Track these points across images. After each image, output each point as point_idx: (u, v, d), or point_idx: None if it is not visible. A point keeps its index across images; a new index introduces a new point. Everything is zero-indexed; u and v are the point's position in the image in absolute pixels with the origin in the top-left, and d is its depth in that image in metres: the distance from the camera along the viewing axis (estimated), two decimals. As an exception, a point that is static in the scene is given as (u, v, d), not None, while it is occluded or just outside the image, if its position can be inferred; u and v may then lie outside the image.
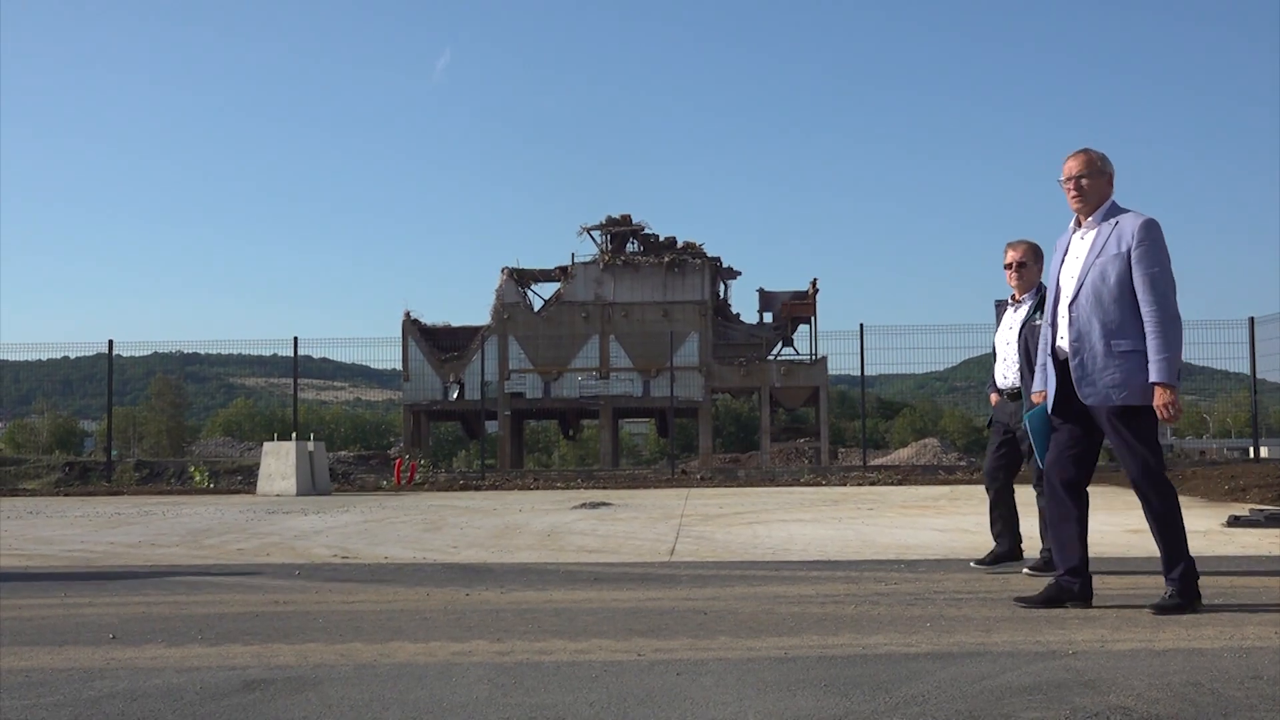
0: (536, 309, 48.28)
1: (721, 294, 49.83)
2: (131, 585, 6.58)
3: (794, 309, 47.97)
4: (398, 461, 23.89)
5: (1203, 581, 6.10)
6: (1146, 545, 8.19)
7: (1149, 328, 5.04)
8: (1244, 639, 4.46)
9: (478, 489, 19.73)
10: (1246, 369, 23.00)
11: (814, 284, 48.49)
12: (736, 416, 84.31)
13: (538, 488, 19.67)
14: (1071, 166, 5.28)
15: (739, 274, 50.35)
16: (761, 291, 48.83)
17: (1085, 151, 5.31)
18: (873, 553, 7.96)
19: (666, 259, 47.13)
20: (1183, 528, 5.18)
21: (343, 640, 4.66)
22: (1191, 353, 26.25)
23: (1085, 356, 5.15)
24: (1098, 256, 5.14)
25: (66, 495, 19.25)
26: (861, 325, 23.93)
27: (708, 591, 5.97)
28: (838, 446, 54.24)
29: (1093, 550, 7.79)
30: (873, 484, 19.39)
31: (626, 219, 48.80)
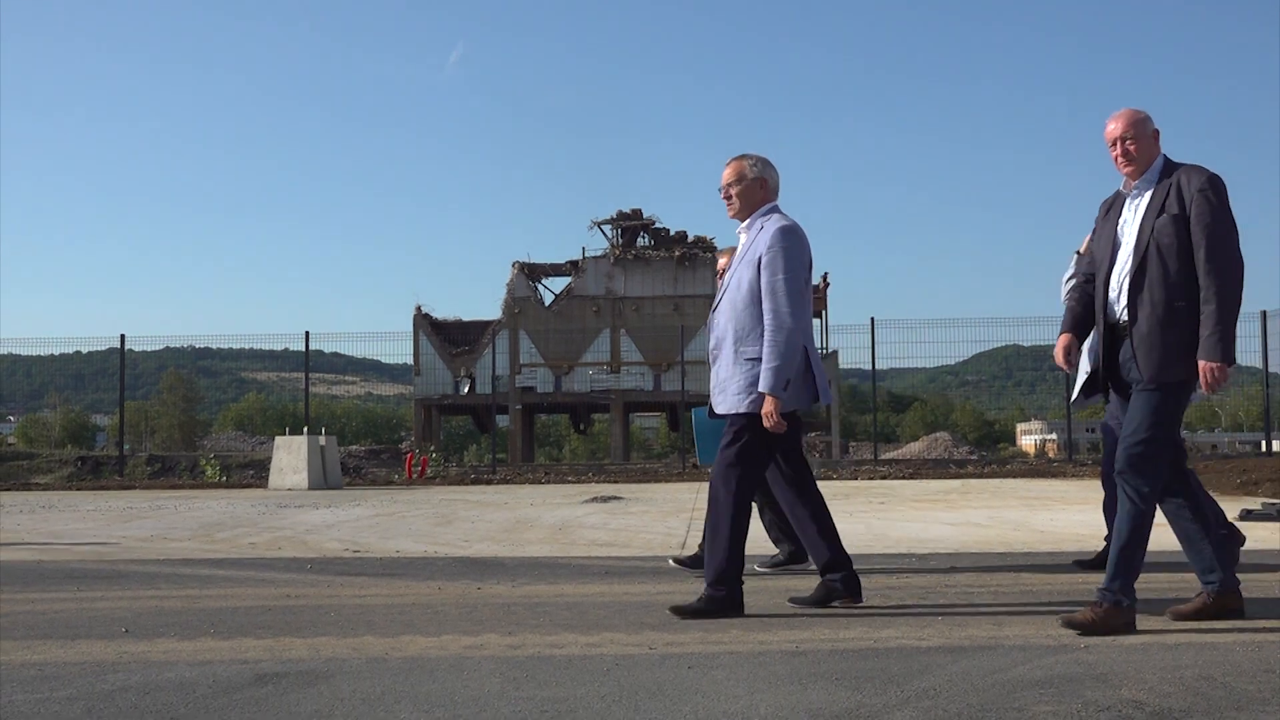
0: (547, 303, 48.32)
1: (731, 289, 49.73)
2: (144, 579, 6.60)
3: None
4: (409, 455, 23.95)
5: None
6: (1157, 538, 8.15)
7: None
8: (1256, 633, 4.44)
9: (489, 483, 19.75)
10: (1259, 362, 22.94)
11: (824, 278, 48.43)
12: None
13: (549, 482, 19.69)
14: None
15: (749, 268, 50.25)
16: (772, 285, 48.69)
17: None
18: (884, 546, 7.95)
19: (677, 253, 47.10)
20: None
21: (354, 634, 4.67)
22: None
23: None
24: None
25: (79, 489, 19.31)
26: (872, 319, 23.95)
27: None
28: (848, 440, 54.19)
29: (1102, 544, 7.77)
30: (884, 478, 19.37)
31: (637, 213, 48.78)
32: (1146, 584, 5.81)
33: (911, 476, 19.50)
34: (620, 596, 5.59)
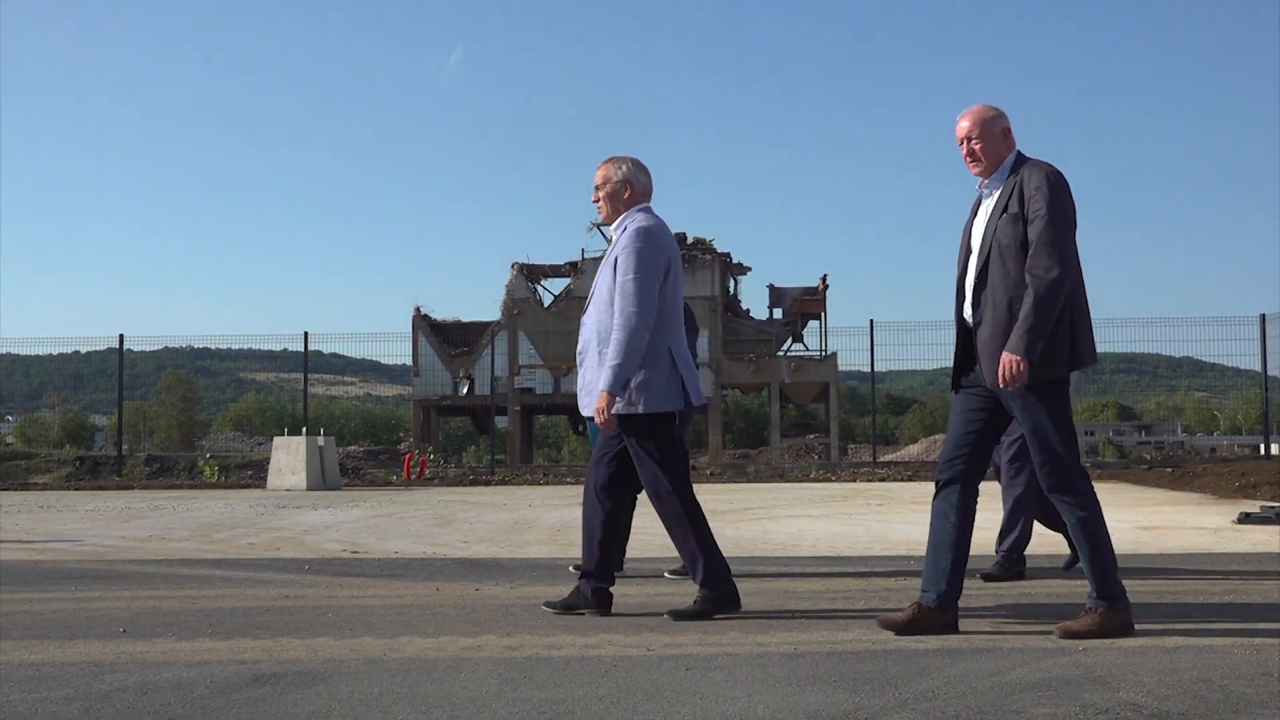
0: (547, 304, 48.30)
1: (731, 290, 49.80)
2: (142, 579, 6.60)
3: (804, 305, 47.87)
4: (407, 456, 23.95)
5: (1215, 578, 6.10)
6: (1156, 542, 8.18)
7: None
8: (1255, 635, 4.45)
9: (488, 484, 19.75)
10: (1258, 366, 22.98)
11: (824, 280, 48.41)
12: (746, 412, 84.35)
13: (547, 483, 19.69)
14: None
15: (749, 270, 50.27)
16: (772, 287, 48.76)
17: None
18: (882, 549, 7.96)
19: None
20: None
21: (353, 635, 4.67)
22: (1202, 349, 26.20)
23: None
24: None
25: (77, 489, 19.31)
26: (872, 321, 23.94)
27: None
28: (848, 442, 54.22)
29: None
30: (883, 480, 19.37)
31: (636, 214, 48.73)
32: (1140, 586, 5.80)
33: (910, 479, 19.50)
34: (618, 598, 5.60)
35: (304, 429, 19.47)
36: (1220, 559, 7.01)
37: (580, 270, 47.49)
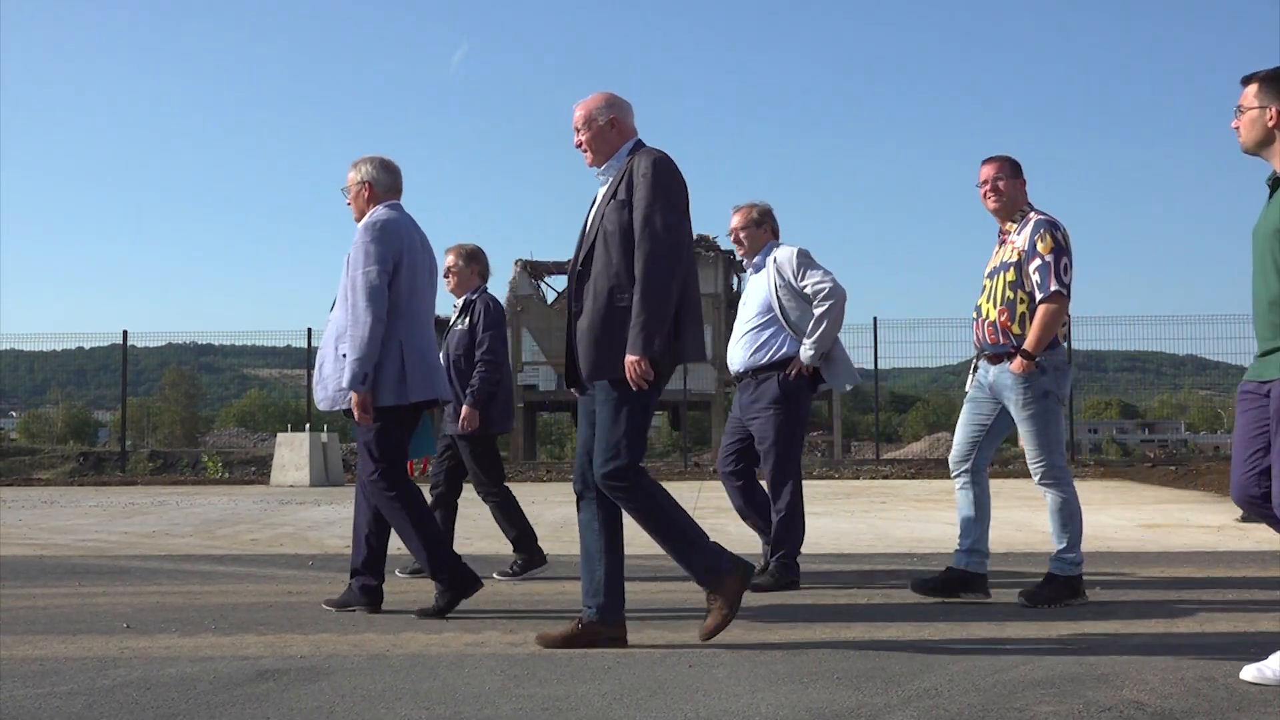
0: (550, 301, 48.30)
1: (734, 287, 49.77)
2: (145, 575, 6.60)
3: (807, 303, 47.85)
4: (410, 453, 23.89)
5: (1218, 576, 6.09)
6: (1160, 540, 8.17)
7: None
8: (1258, 633, 4.44)
9: (490, 481, 19.71)
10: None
11: (827, 277, 48.36)
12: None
13: (550, 480, 19.68)
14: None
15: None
16: (774, 285, 48.66)
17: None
18: (885, 546, 7.95)
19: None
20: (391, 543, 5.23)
21: (355, 631, 4.67)
22: (1206, 347, 26.19)
23: None
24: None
25: (81, 485, 19.32)
26: (875, 319, 23.89)
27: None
28: (850, 440, 54.13)
29: (1104, 545, 7.78)
30: (885, 477, 19.37)
31: (640, 212, 48.69)
32: (1144, 584, 5.79)
33: (913, 476, 19.51)
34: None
35: (307, 425, 19.45)
36: (1223, 557, 7.00)
37: (583, 267, 47.52)
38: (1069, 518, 5.20)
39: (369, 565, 5.21)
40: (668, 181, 4.28)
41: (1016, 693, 3.49)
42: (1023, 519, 10.14)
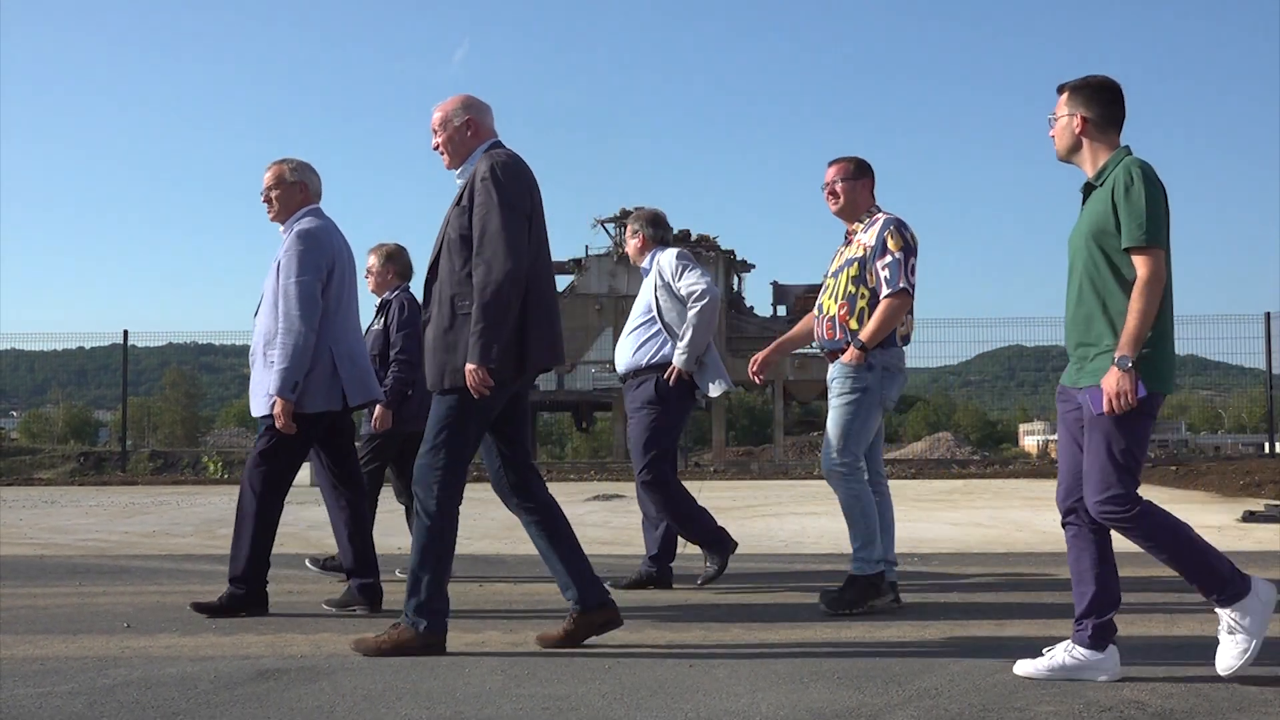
0: (550, 301, 48.28)
1: (735, 287, 49.74)
2: (146, 574, 6.61)
3: (808, 302, 47.64)
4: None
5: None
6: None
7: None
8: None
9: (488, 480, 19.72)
10: (1262, 364, 22.95)
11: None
12: (750, 410, 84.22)
13: (551, 480, 19.63)
14: None
15: (753, 267, 50.20)
16: (775, 285, 48.70)
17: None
18: (886, 546, 7.94)
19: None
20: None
21: (356, 630, 4.66)
22: (1207, 347, 26.16)
23: None
24: None
25: (81, 485, 19.32)
26: (876, 318, 23.89)
27: (720, 584, 5.96)
28: (851, 440, 54.08)
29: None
30: (886, 478, 19.35)
31: (640, 211, 48.70)
32: (1146, 584, 5.80)
33: (914, 476, 19.49)
34: (622, 595, 5.59)
35: (308, 425, 19.47)
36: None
37: (584, 267, 47.48)
38: (858, 514, 5.09)
39: (361, 564, 5.24)
40: (506, 184, 4.22)
41: (1017, 693, 3.49)
42: (1023, 519, 10.14)
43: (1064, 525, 3.92)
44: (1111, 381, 3.52)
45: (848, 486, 5.13)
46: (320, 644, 4.37)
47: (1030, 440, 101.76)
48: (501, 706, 3.37)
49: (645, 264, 6.01)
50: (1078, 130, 3.78)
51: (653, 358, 5.82)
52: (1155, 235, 3.56)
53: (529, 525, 4.41)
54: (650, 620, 4.86)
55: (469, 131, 4.41)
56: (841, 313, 5.21)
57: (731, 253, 48.51)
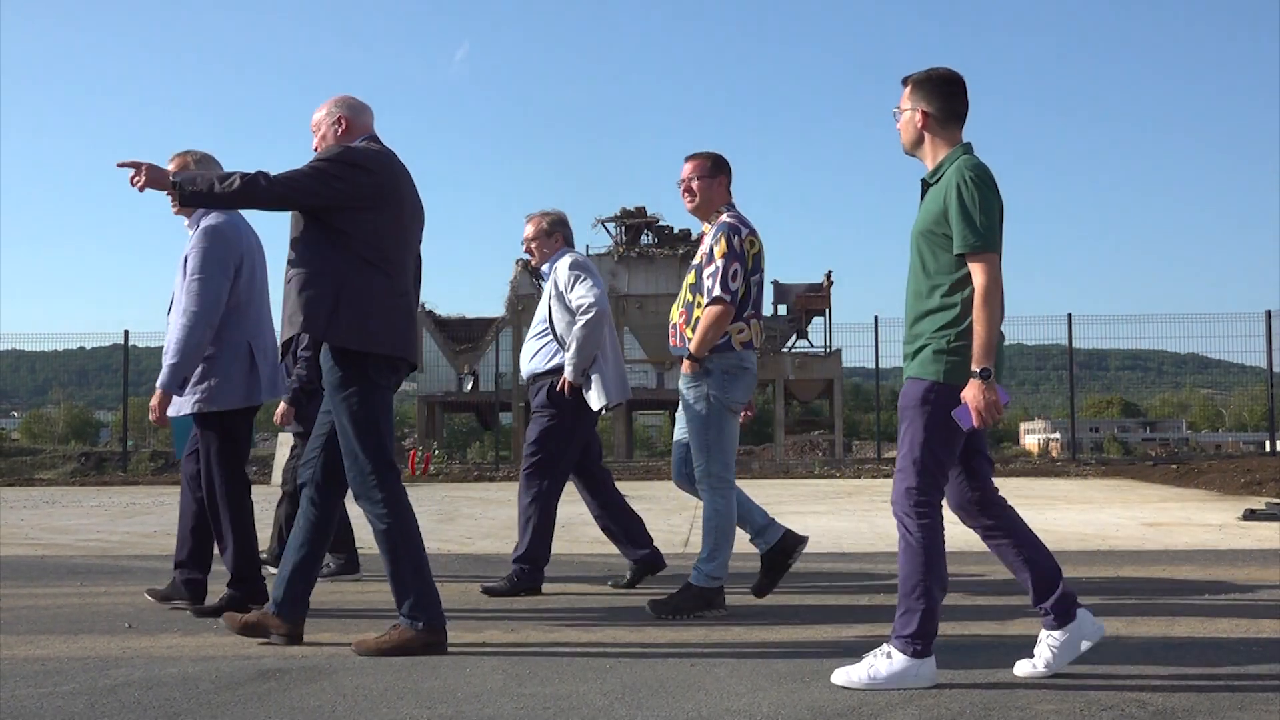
0: (550, 300, 48.26)
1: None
2: (147, 574, 6.60)
3: (808, 301, 47.83)
4: (412, 453, 23.92)
5: (1220, 575, 6.09)
6: (1161, 539, 8.17)
7: None
8: (1260, 631, 4.44)
9: (492, 480, 19.76)
10: (1263, 362, 22.94)
11: (828, 276, 48.39)
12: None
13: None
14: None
15: (753, 266, 50.21)
16: (776, 284, 48.72)
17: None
18: (887, 545, 7.95)
19: (681, 251, 47.05)
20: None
21: (357, 630, 4.67)
22: (1207, 345, 26.22)
23: None
24: None
25: (82, 485, 19.33)
26: (876, 317, 23.90)
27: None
28: (852, 439, 54.16)
29: (1106, 544, 7.78)
30: (887, 476, 19.35)
31: (641, 211, 48.72)
32: (1147, 582, 5.79)
33: (914, 475, 19.46)
34: (623, 594, 5.60)
35: (309, 425, 19.46)
36: (1225, 556, 7.00)
37: (585, 266, 47.55)
38: (713, 528, 5.09)
39: (195, 560, 5.28)
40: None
41: (1018, 691, 3.49)
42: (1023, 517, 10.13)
43: (973, 529, 3.86)
44: (972, 394, 3.50)
45: (713, 499, 5.16)
46: (321, 644, 4.37)
47: (1031, 439, 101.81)
48: (502, 706, 3.37)
49: (545, 268, 5.94)
50: (919, 125, 3.74)
51: (549, 363, 5.77)
52: (990, 241, 3.55)
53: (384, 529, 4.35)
54: (651, 620, 4.86)
55: (340, 127, 4.50)
56: (680, 321, 5.19)
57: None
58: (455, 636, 4.43)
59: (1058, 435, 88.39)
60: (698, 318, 5.06)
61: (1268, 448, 24.99)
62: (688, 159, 5.32)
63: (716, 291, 4.99)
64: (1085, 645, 3.63)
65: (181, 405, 5.09)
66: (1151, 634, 4.43)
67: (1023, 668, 3.69)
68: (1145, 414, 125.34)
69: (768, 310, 49.03)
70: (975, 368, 3.50)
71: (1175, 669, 3.79)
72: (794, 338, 48.50)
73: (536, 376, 5.86)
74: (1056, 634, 3.64)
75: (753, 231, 5.14)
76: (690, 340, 5.05)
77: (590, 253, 47.86)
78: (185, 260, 5.09)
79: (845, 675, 3.57)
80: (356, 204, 4.26)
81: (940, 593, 3.66)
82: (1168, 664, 3.87)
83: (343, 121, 4.49)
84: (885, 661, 3.57)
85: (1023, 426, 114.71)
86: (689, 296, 5.16)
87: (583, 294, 5.66)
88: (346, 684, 3.67)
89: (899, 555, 3.69)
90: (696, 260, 5.19)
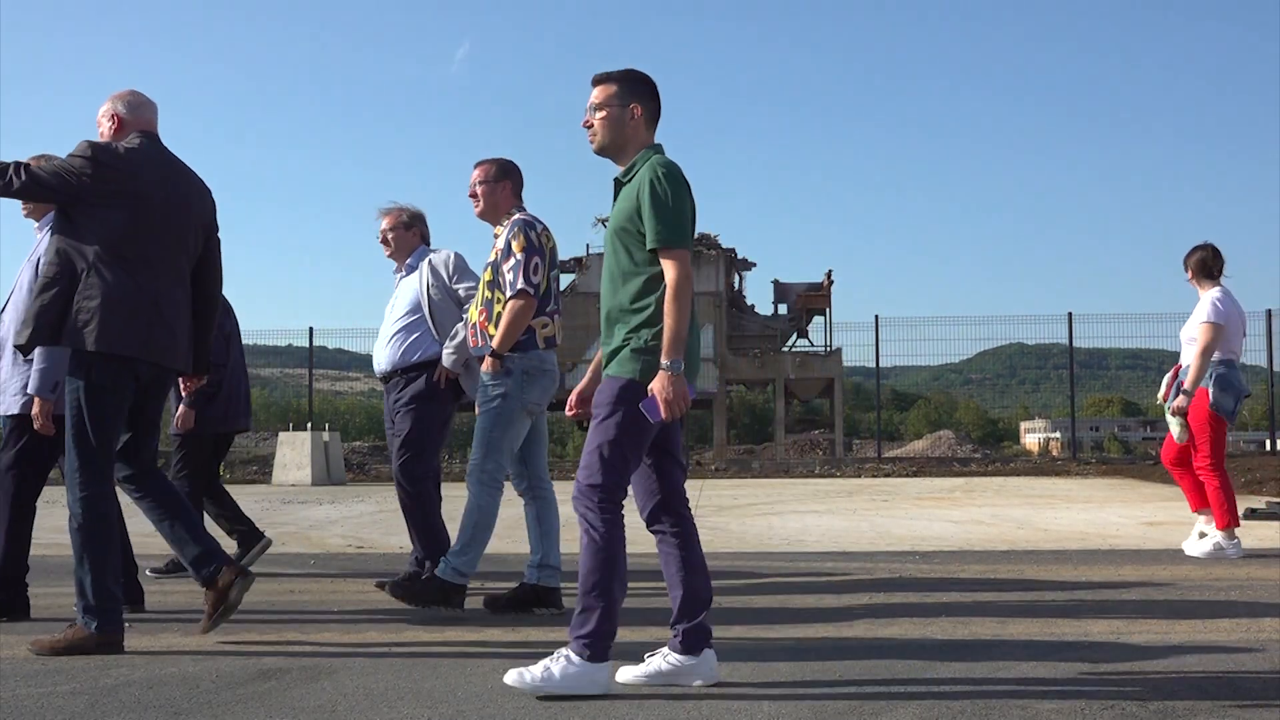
0: (551, 300, 48.26)
1: (736, 285, 49.65)
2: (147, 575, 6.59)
3: (809, 300, 47.72)
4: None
5: (1220, 574, 6.09)
6: (1162, 538, 8.17)
7: None
8: (1260, 631, 4.45)
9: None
10: (1263, 361, 22.95)
11: (829, 275, 48.25)
12: (751, 408, 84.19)
13: (552, 479, 19.68)
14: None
15: (754, 265, 50.11)
16: (776, 283, 48.63)
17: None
18: (887, 544, 7.95)
19: (681, 250, 47.00)
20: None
21: (357, 630, 4.67)
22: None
23: None
24: None
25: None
26: (877, 317, 24.01)
27: (722, 583, 5.95)
28: (852, 438, 54.06)
29: (1107, 543, 7.79)
30: (887, 476, 19.37)
31: (641, 210, 48.65)
32: (1147, 581, 5.79)
33: (915, 474, 19.50)
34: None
35: (309, 424, 19.46)
36: (1225, 555, 7.00)
37: (585, 266, 47.47)
38: (471, 523, 5.11)
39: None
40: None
41: (1018, 691, 3.49)
42: (1024, 517, 10.14)
43: (650, 531, 3.80)
44: (660, 385, 3.50)
45: (479, 494, 5.21)
46: (322, 643, 4.37)
47: (1031, 438, 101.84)
48: (503, 705, 3.37)
49: (410, 262, 5.85)
50: (633, 121, 3.73)
51: (422, 356, 5.63)
52: (681, 237, 3.56)
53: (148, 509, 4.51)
54: (651, 619, 4.86)
55: (113, 124, 4.54)
56: (481, 319, 5.18)
57: (732, 251, 48.50)
58: (456, 637, 4.44)
59: (1058, 434, 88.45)
60: (499, 314, 5.04)
61: (1268, 447, 25.00)
62: (476, 165, 5.32)
63: (520, 285, 4.98)
64: (698, 682, 3.55)
65: (10, 404, 5.07)
66: (1152, 633, 4.43)
67: (625, 672, 3.62)
68: (1146, 413, 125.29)
69: (767, 310, 49.07)
70: (664, 360, 3.48)
71: (1176, 668, 3.79)
72: (794, 337, 48.46)
73: (407, 369, 5.67)
74: (678, 658, 3.59)
75: (546, 228, 5.17)
76: (493, 337, 5.04)
77: (590, 252, 47.89)
78: (36, 261, 4.92)
79: (518, 676, 3.48)
80: (99, 200, 4.24)
81: (621, 591, 3.58)
82: (1168, 662, 3.87)
83: (116, 119, 4.53)
84: (560, 665, 3.47)
85: (1023, 425, 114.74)
86: (488, 294, 5.14)
87: (471, 285, 5.56)
88: (347, 684, 3.67)
89: (580, 552, 3.59)
90: (492, 258, 5.17)
